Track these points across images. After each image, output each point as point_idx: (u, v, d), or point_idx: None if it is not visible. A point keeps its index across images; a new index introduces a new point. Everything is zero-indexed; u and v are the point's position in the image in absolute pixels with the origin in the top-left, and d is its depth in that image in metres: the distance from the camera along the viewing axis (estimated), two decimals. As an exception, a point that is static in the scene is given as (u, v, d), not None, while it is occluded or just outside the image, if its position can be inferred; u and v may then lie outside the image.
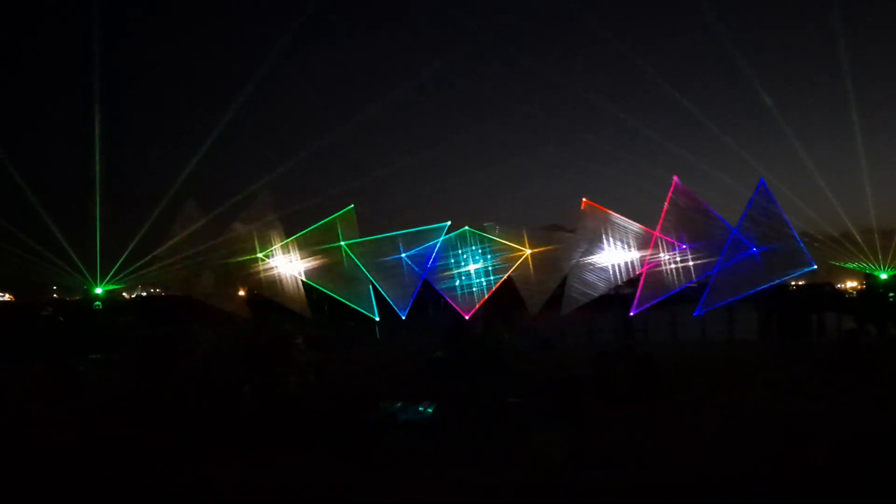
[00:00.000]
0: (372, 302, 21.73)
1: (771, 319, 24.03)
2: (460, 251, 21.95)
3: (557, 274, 21.21)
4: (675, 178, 21.00)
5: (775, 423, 8.19)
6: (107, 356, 15.88)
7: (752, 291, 20.77)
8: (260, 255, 21.93)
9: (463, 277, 21.73)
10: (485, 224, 22.36)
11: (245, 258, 21.80)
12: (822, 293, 27.88)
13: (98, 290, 22.92)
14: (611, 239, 21.16)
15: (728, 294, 20.79)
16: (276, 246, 22.11)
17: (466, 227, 22.07)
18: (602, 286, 20.96)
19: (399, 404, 9.03)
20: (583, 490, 5.83)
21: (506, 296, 20.46)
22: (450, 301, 21.54)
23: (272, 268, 22.01)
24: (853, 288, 31.80)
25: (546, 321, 20.81)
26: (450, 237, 21.89)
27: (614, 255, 21.07)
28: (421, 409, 8.90)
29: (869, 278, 24.68)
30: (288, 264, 22.01)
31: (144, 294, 38.44)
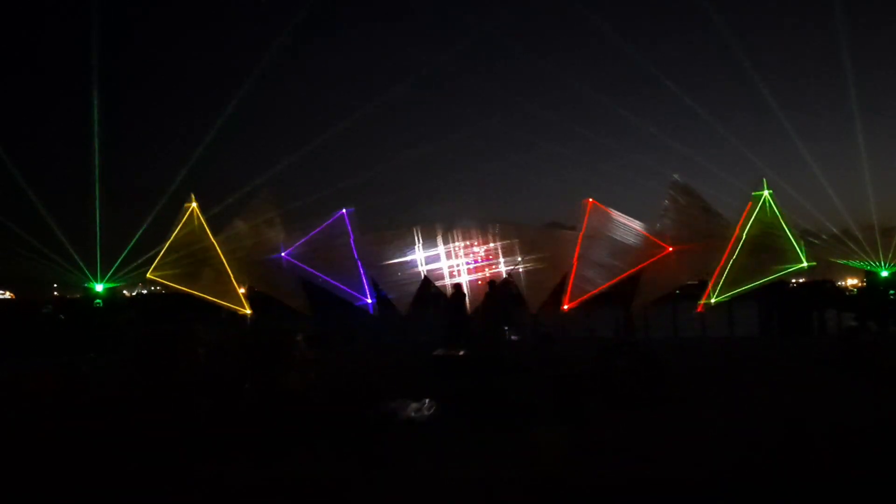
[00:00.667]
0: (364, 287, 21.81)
1: (771, 317, 24.09)
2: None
3: (558, 271, 21.25)
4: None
5: (777, 418, 8.21)
6: (107, 354, 15.89)
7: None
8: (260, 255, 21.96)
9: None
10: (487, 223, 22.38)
11: (245, 257, 21.82)
12: (823, 290, 27.96)
13: (99, 288, 22.94)
14: (611, 237, 21.19)
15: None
16: (277, 245, 22.14)
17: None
18: (602, 283, 20.97)
19: (399, 401, 9.03)
20: (583, 485, 5.83)
21: (506, 293, 20.46)
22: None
23: (273, 267, 22.03)
24: (853, 285, 31.86)
25: (546, 317, 20.85)
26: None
27: (615, 253, 21.09)
28: (421, 406, 8.91)
29: (869, 276, 24.72)
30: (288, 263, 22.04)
31: (145, 292, 38.49)
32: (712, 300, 20.45)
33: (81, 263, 23.07)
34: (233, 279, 21.48)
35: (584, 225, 21.11)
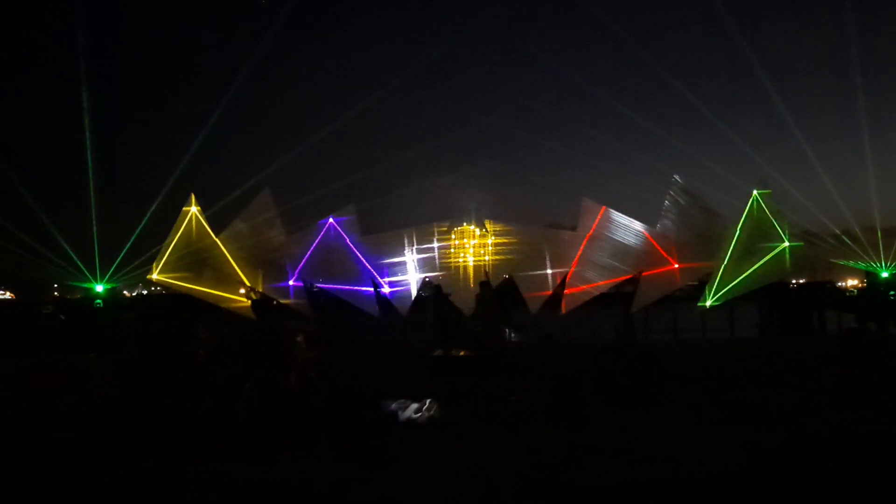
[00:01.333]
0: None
1: (772, 317, 24.10)
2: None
3: (558, 272, 21.27)
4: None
5: (776, 418, 8.19)
6: (108, 353, 15.90)
7: None
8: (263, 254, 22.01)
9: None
10: (485, 221, 22.42)
11: (246, 256, 21.84)
12: (823, 291, 27.97)
13: (99, 288, 22.97)
14: (612, 238, 21.20)
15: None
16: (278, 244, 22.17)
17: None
18: (603, 284, 21.00)
19: (400, 401, 9.03)
20: (583, 484, 5.83)
21: (506, 293, 20.48)
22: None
23: (274, 265, 22.07)
24: (854, 286, 31.85)
25: (547, 318, 20.86)
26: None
27: (615, 254, 21.10)
28: (421, 406, 8.91)
29: (870, 276, 24.72)
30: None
31: (145, 292, 38.49)
32: (707, 303, 20.49)
33: (80, 264, 23.09)
34: (237, 274, 21.53)
35: (593, 228, 21.15)
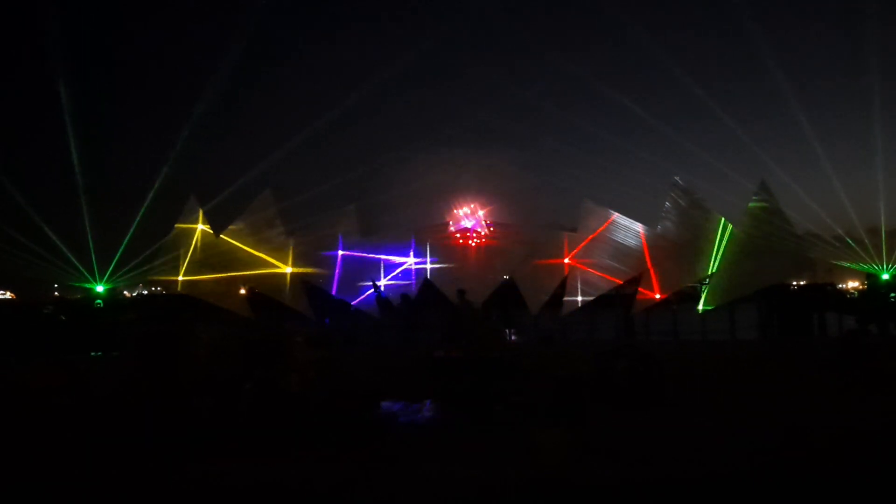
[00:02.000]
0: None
1: (772, 319, 24.09)
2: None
3: (558, 273, 21.28)
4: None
5: (776, 420, 8.19)
6: (108, 354, 15.91)
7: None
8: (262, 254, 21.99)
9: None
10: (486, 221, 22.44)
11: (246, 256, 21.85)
12: (824, 293, 27.97)
13: (99, 289, 22.99)
14: (612, 239, 21.22)
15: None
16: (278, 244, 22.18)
17: None
18: (603, 285, 21.00)
19: (400, 402, 9.03)
20: (582, 484, 5.82)
21: (507, 294, 20.50)
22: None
23: (274, 265, 22.08)
24: (854, 288, 31.86)
25: (547, 319, 20.86)
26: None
27: (615, 255, 21.11)
28: (422, 407, 8.90)
29: (870, 278, 24.72)
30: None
31: (146, 292, 38.52)
32: (699, 307, 20.51)
33: (79, 265, 23.12)
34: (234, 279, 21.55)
35: (598, 232, 21.18)
